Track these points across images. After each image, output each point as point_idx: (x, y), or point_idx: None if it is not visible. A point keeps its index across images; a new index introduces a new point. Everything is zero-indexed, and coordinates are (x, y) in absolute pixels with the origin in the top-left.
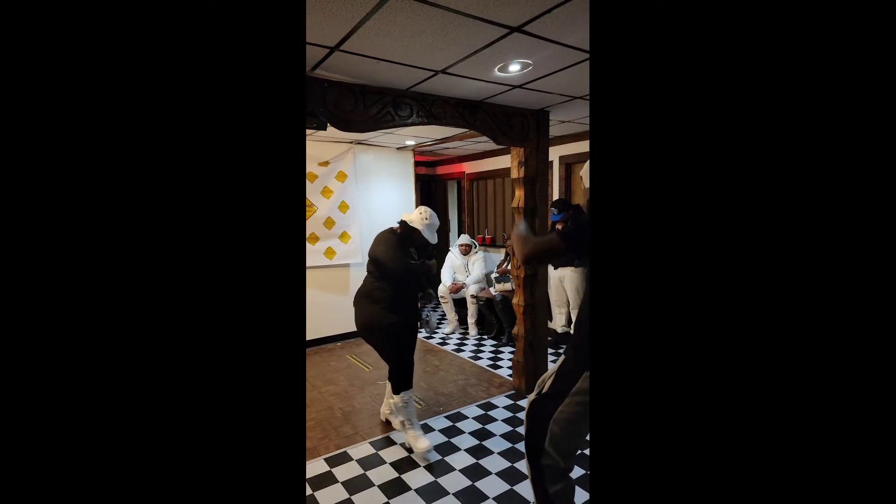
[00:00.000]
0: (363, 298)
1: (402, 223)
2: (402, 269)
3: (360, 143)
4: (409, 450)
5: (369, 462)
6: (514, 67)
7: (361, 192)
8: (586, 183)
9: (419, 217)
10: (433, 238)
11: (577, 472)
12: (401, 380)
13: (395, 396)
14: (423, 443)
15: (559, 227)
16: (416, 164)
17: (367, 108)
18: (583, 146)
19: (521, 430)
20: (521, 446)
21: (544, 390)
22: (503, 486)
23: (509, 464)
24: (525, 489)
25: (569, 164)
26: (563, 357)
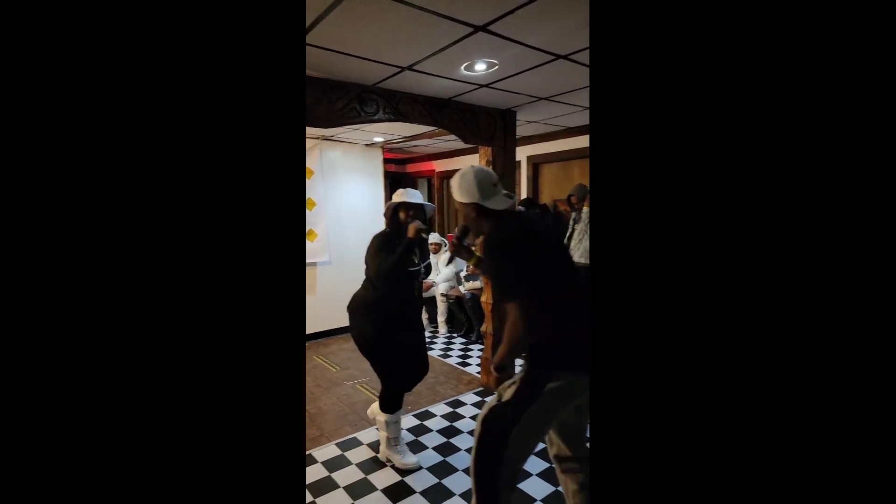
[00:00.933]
0: (356, 308)
1: (386, 217)
2: (385, 271)
3: (326, 138)
4: (376, 450)
5: (334, 464)
6: (480, 66)
7: (328, 189)
8: (457, 196)
9: (396, 198)
10: (419, 199)
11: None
12: (390, 400)
13: (382, 414)
14: (411, 459)
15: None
16: (386, 161)
17: (332, 103)
18: (549, 146)
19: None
20: None
21: (505, 398)
22: (470, 483)
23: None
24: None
25: (536, 164)
26: (526, 363)
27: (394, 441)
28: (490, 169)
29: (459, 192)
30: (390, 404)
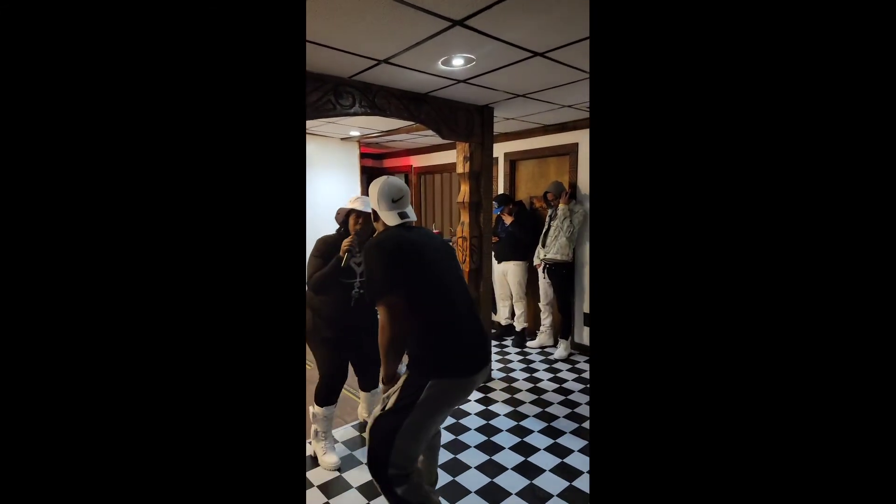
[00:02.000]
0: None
1: (338, 221)
2: (310, 284)
3: None
4: (351, 448)
5: (309, 462)
6: (458, 62)
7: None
8: (374, 204)
9: (349, 203)
10: (368, 207)
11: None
12: (322, 394)
13: (316, 406)
14: (331, 458)
15: (506, 218)
16: (362, 155)
17: (307, 96)
18: (526, 143)
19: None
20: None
21: (389, 406)
22: (445, 478)
23: (451, 455)
24: (463, 480)
25: (513, 160)
26: (406, 372)
27: (322, 435)
28: (402, 185)
29: (370, 195)
30: (320, 397)
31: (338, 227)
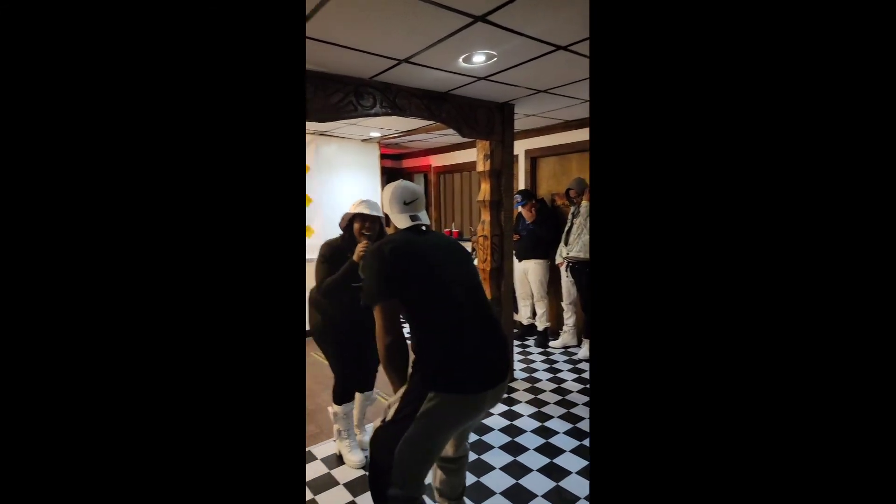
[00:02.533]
0: (309, 301)
1: (342, 227)
2: (322, 290)
3: (322, 133)
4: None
5: (334, 461)
6: (479, 58)
7: (325, 185)
8: (386, 207)
9: (353, 207)
10: (378, 210)
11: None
12: (338, 392)
13: (335, 406)
14: (356, 456)
15: (526, 214)
16: (382, 156)
17: (328, 97)
18: (547, 140)
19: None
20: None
21: (389, 417)
22: (470, 479)
23: (476, 456)
24: (488, 481)
25: (534, 157)
26: (408, 381)
27: (344, 434)
28: (415, 188)
29: (383, 199)
30: (337, 396)
31: (342, 232)
